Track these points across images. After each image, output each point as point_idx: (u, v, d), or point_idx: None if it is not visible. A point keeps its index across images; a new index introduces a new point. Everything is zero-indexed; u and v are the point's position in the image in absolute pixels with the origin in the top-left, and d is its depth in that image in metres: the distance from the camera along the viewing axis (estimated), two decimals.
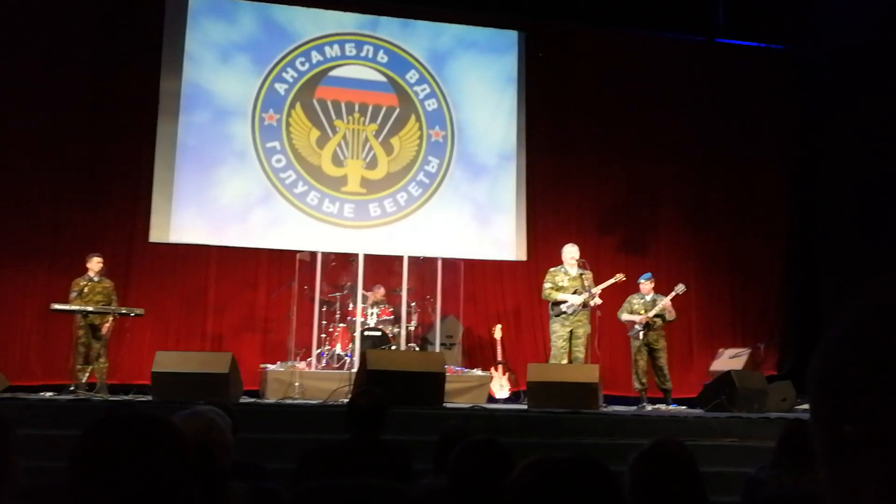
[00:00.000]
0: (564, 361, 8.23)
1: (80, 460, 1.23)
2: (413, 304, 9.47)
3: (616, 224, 10.92)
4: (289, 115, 10.14)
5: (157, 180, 9.59)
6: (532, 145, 10.74)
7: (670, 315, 8.69)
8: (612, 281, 8.51)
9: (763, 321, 10.99)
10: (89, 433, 1.25)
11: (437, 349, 9.12)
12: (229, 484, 2.18)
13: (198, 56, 9.96)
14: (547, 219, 10.66)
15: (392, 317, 9.26)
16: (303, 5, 10.40)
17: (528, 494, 1.18)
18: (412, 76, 10.59)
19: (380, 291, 9.44)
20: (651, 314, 8.56)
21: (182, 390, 6.45)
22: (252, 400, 7.86)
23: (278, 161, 10.02)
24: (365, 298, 9.22)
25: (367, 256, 9.30)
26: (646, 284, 8.79)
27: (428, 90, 10.61)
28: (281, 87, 10.17)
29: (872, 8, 10.17)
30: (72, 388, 7.69)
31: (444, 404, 7.11)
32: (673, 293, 8.66)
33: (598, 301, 8.33)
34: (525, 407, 7.57)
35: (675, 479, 1.96)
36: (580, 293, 8.29)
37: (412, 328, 9.38)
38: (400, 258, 9.39)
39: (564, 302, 8.30)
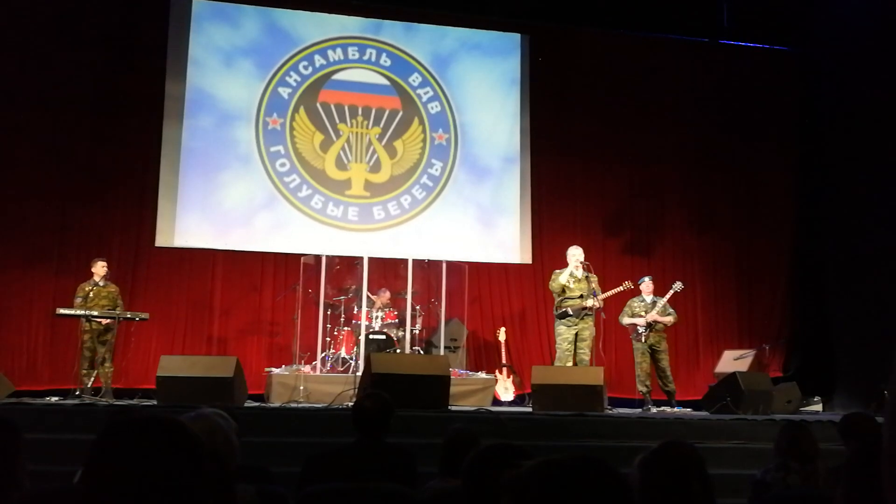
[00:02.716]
0: (569, 364, 8.22)
1: (98, 462, 1.24)
2: (417, 307, 9.48)
3: (621, 226, 10.91)
4: (292, 118, 10.16)
5: (162, 185, 9.61)
6: (536, 148, 10.74)
7: (671, 318, 8.69)
8: (619, 289, 8.54)
9: (768, 323, 10.97)
10: (107, 435, 1.26)
11: (442, 352, 9.13)
12: (237, 486, 2.18)
13: (202, 60, 9.99)
14: (552, 221, 10.65)
15: (396, 320, 9.27)
16: (306, 9, 10.42)
17: (532, 495, 1.18)
18: (415, 79, 10.60)
19: (385, 295, 9.45)
20: (653, 313, 8.55)
21: (187, 394, 6.46)
22: (257, 404, 7.87)
23: (282, 165, 10.04)
24: (370, 302, 9.23)
25: (371, 260, 9.32)
26: (645, 287, 8.79)
27: (431, 93, 10.62)
28: (284, 91, 10.19)
29: (875, 9, 10.15)
30: (77, 393, 7.71)
31: (449, 407, 7.11)
32: (671, 291, 8.67)
33: (600, 303, 8.33)
34: (530, 409, 7.56)
35: (692, 479, 1.96)
36: (586, 296, 8.29)
37: (417, 331, 9.39)
38: (404, 261, 9.41)
39: (570, 298, 8.30)
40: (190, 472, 1.23)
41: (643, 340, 8.57)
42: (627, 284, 8.61)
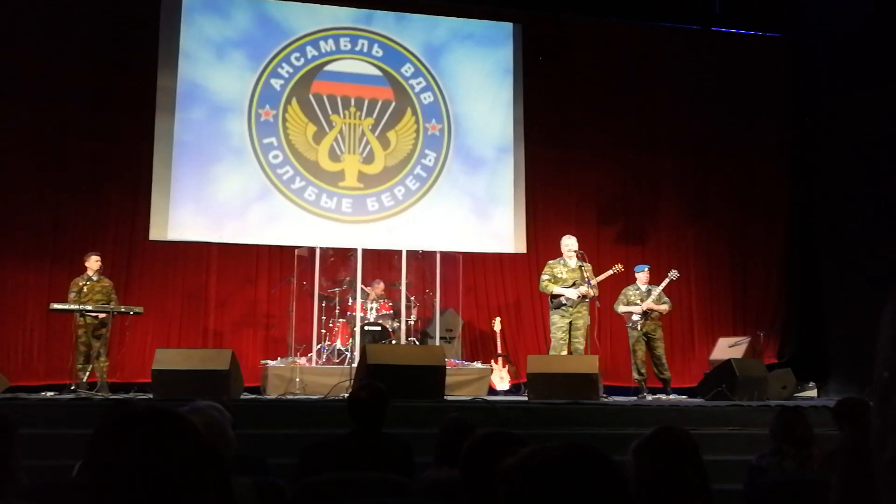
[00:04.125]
0: (564, 353, 8.23)
1: (98, 454, 1.23)
2: (412, 298, 9.48)
3: (615, 215, 10.91)
4: (285, 110, 10.13)
5: (155, 178, 9.56)
6: (530, 137, 10.72)
7: (666, 306, 8.70)
8: (610, 272, 8.53)
9: (763, 310, 11.00)
10: (106, 427, 1.26)
11: (437, 343, 9.13)
12: (233, 479, 2.18)
13: (193, 52, 9.94)
14: (546, 211, 10.65)
15: (391, 311, 9.26)
16: (297, 0, 10.37)
17: (524, 484, 1.18)
18: (407, 69, 10.57)
19: (379, 286, 9.44)
20: (649, 302, 8.56)
21: (183, 388, 6.46)
22: (253, 396, 7.87)
23: (275, 157, 10.01)
24: (365, 294, 9.22)
25: (365, 251, 9.32)
26: (642, 276, 8.80)
27: (424, 83, 10.59)
28: (276, 83, 10.15)
29: None
30: (73, 388, 7.70)
31: (445, 397, 7.12)
32: (666, 280, 8.68)
33: (596, 292, 8.33)
34: (526, 398, 7.58)
35: (685, 464, 1.97)
36: (579, 285, 8.29)
37: (412, 322, 9.39)
38: (398, 252, 9.41)
39: (562, 294, 8.31)
40: (189, 462, 1.23)
41: (639, 328, 8.59)
42: (618, 267, 8.61)
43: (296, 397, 7.66)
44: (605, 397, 7.89)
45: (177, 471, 1.22)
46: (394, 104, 10.45)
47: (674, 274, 8.74)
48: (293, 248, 9.46)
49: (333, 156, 10.21)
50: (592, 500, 1.17)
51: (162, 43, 9.81)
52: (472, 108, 10.69)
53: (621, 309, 8.75)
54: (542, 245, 10.27)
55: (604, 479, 1.19)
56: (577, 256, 8.42)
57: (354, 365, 7.73)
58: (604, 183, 10.91)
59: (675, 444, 2.00)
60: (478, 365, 9.17)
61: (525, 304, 10.48)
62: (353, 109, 10.32)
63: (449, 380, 7.47)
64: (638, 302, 8.63)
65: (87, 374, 7.92)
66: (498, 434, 2.18)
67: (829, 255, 10.73)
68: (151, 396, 6.97)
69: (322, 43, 10.39)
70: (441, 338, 9.39)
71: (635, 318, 8.59)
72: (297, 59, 10.27)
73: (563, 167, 10.81)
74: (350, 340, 8.90)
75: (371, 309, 9.11)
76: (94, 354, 7.96)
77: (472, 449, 2.13)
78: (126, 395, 7.53)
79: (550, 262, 8.58)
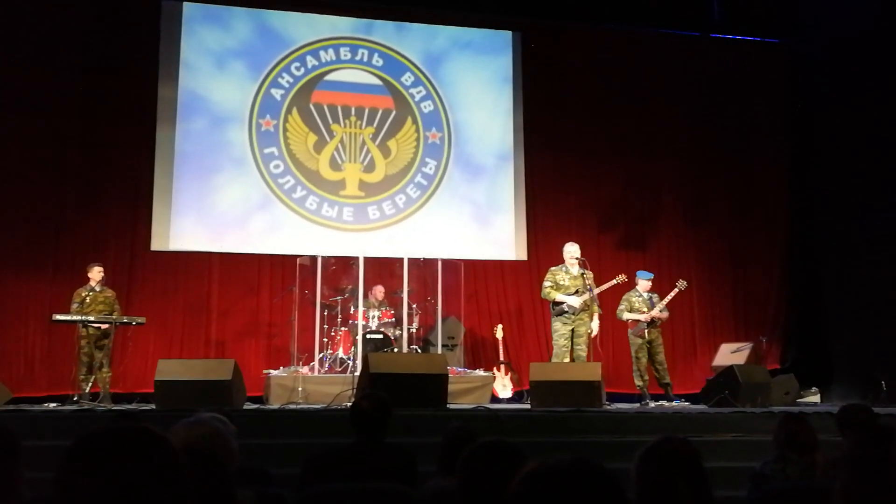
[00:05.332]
0: (567, 360, 8.21)
1: (64, 480, 1.20)
2: (414, 305, 9.48)
3: (616, 221, 10.92)
4: (286, 120, 10.15)
5: (156, 189, 9.59)
6: (530, 144, 10.74)
7: (666, 313, 8.69)
8: (613, 282, 8.49)
9: (765, 315, 10.99)
10: (71, 452, 1.23)
11: (439, 350, 9.13)
12: (236, 491, 2.18)
13: (193, 63, 9.97)
14: (547, 217, 10.66)
15: (393, 319, 9.26)
16: (297, 10, 10.40)
17: (526, 501, 1.18)
18: (408, 78, 10.60)
19: (379, 291, 9.45)
20: (656, 310, 8.52)
21: (185, 398, 6.45)
22: (256, 406, 7.86)
23: (276, 166, 10.03)
24: (366, 302, 9.22)
25: (367, 259, 9.32)
26: (647, 283, 8.76)
27: (424, 92, 10.62)
28: (277, 93, 10.18)
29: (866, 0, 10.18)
30: (75, 399, 7.69)
31: (448, 405, 7.10)
32: (675, 290, 8.61)
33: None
34: (528, 406, 7.57)
35: (679, 476, 1.96)
36: (581, 292, 8.27)
37: (414, 330, 9.39)
38: (400, 260, 9.41)
39: (565, 301, 8.29)
40: (165, 484, 1.20)
41: (644, 336, 8.53)
42: (621, 277, 8.56)
43: (298, 407, 7.64)
44: (608, 404, 7.86)
45: (147, 494, 1.18)
46: (394, 113, 10.47)
47: (682, 284, 8.68)
48: (295, 256, 9.47)
49: (334, 165, 10.23)
50: None
51: (162, 54, 9.85)
52: (472, 115, 10.72)
53: (626, 316, 8.69)
54: (542, 252, 10.27)
55: (605, 496, 1.19)
56: (580, 264, 8.40)
57: (357, 373, 7.73)
58: (604, 189, 10.92)
59: (669, 455, 1.99)
60: (480, 372, 9.17)
61: (526, 311, 10.48)
62: (353, 118, 10.35)
63: (451, 388, 7.46)
64: (644, 310, 8.58)
65: (90, 384, 7.93)
66: (495, 443, 2.18)
67: (829, 259, 10.73)
68: (154, 407, 6.96)
69: (322, 53, 10.42)
70: (443, 345, 9.38)
71: (643, 325, 8.53)
72: (298, 68, 10.30)
73: (562, 174, 10.82)
74: (352, 349, 8.89)
75: (373, 317, 9.11)
76: (96, 365, 7.96)
77: (470, 458, 2.13)
78: (129, 406, 7.52)
79: (553, 268, 8.55)
